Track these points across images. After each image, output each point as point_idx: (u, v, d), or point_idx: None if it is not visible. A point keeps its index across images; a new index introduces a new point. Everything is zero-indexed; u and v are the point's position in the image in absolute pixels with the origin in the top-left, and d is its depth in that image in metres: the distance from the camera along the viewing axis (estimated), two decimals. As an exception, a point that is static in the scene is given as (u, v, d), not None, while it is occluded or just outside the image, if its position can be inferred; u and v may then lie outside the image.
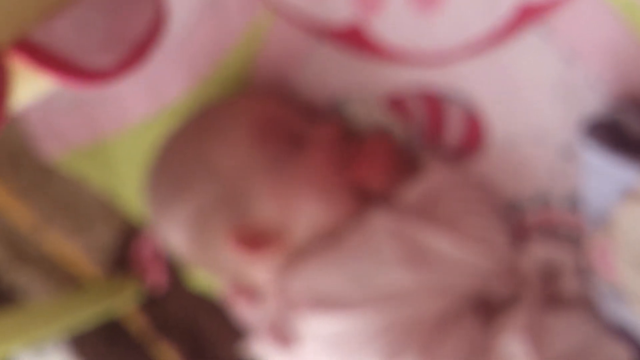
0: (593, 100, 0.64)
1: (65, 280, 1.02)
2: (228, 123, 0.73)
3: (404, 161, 0.75)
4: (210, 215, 0.71)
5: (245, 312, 0.81)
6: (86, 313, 0.96)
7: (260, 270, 0.74)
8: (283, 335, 0.72)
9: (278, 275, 0.73)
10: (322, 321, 0.69)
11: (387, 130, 0.76)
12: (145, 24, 0.52)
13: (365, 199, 0.73)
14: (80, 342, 1.02)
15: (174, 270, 0.97)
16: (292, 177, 0.71)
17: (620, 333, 0.65)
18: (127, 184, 0.91)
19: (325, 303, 0.69)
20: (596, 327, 0.68)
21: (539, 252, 0.72)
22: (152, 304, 0.99)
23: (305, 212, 0.71)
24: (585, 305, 0.69)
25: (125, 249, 0.99)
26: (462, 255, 0.69)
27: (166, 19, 0.53)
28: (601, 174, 0.59)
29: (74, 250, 0.99)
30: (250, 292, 0.78)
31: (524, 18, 0.63)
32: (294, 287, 0.71)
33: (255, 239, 0.71)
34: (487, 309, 0.73)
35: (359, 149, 0.74)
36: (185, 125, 0.77)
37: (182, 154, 0.74)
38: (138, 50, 0.51)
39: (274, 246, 0.71)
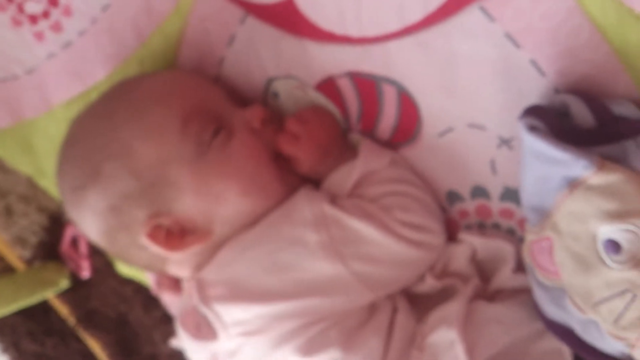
0: (537, 84, 0.57)
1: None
2: (148, 107, 0.64)
3: (336, 143, 0.67)
4: (127, 207, 0.63)
5: (169, 302, 0.75)
6: (12, 301, 0.90)
7: (176, 264, 0.66)
8: (197, 327, 0.64)
9: (195, 267, 0.65)
10: (236, 313, 0.62)
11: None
12: None
13: (295, 185, 0.66)
14: (5, 329, 0.96)
15: (101, 257, 0.90)
16: (215, 167, 0.63)
17: (560, 329, 0.59)
18: (50, 165, 0.82)
19: (241, 294, 0.62)
20: (534, 321, 0.62)
21: (475, 244, 0.67)
22: (77, 292, 0.93)
23: (228, 204, 0.63)
24: (525, 299, 0.64)
25: (52, 236, 0.93)
26: (394, 243, 0.62)
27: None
28: (543, 163, 0.53)
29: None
30: (174, 282, 0.71)
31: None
32: (209, 278, 0.64)
33: (172, 234, 0.63)
34: (419, 301, 0.67)
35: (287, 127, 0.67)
36: (99, 102, 0.67)
37: (96, 136, 0.64)
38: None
39: (193, 240, 0.64)
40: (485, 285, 0.66)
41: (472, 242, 0.67)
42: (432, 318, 0.63)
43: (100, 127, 0.64)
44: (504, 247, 0.65)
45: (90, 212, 0.64)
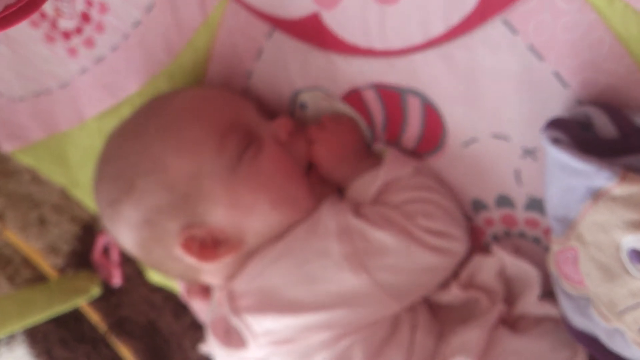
0: (560, 95, 0.57)
1: (24, 276, 0.98)
2: (183, 123, 0.65)
3: (355, 147, 0.68)
4: (160, 220, 0.64)
5: (199, 308, 0.76)
6: (45, 308, 0.91)
7: (209, 274, 0.67)
8: (227, 335, 0.66)
9: (227, 276, 0.66)
10: (266, 323, 0.63)
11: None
12: None
13: (323, 195, 0.67)
14: (37, 336, 0.97)
15: (132, 266, 0.91)
16: (245, 180, 0.64)
17: (586, 338, 0.59)
18: (83, 176, 0.85)
19: (270, 305, 0.62)
20: (555, 353, 0.62)
21: (505, 261, 0.67)
22: (108, 300, 0.94)
23: (259, 216, 0.64)
24: (548, 328, 0.64)
25: (84, 244, 0.94)
26: (416, 251, 0.62)
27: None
28: (567, 174, 0.53)
29: (32, 247, 0.95)
30: (203, 289, 0.73)
31: (488, 8, 0.56)
32: (240, 288, 0.64)
33: (206, 245, 0.64)
34: (441, 312, 0.68)
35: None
36: (131, 120, 0.69)
37: (129, 153, 0.66)
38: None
39: (226, 251, 0.65)
40: (508, 309, 0.66)
41: (502, 257, 0.67)
42: (455, 341, 0.63)
43: (132, 144, 0.66)
44: (531, 272, 0.65)
45: (125, 225, 0.65)
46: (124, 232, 0.66)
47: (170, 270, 0.69)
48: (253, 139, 0.65)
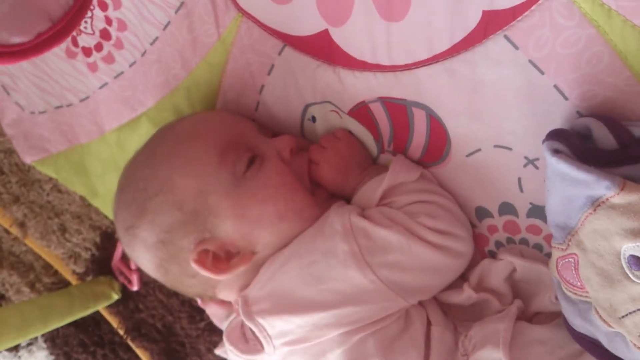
0: (561, 108, 0.58)
1: (46, 282, 0.99)
2: (185, 144, 0.67)
3: (355, 162, 0.70)
4: (173, 238, 0.66)
5: (213, 313, 0.77)
6: (66, 314, 0.93)
7: (225, 288, 0.69)
8: (244, 340, 0.67)
9: (241, 287, 0.68)
10: (279, 325, 0.64)
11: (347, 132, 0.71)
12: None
13: (328, 206, 0.68)
14: (57, 339, 0.98)
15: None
16: (250, 194, 0.66)
17: (587, 341, 0.60)
18: (102, 186, 0.87)
19: (282, 307, 0.63)
20: (574, 343, 0.62)
21: (516, 265, 0.67)
22: (126, 304, 0.95)
23: (267, 227, 0.66)
24: (557, 318, 0.64)
25: (104, 251, 0.95)
26: (419, 249, 0.63)
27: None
28: (567, 184, 0.53)
29: (53, 254, 0.96)
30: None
31: (490, 25, 0.57)
32: (252, 295, 0.66)
33: (219, 259, 0.66)
34: (451, 311, 0.69)
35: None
36: (141, 149, 0.71)
37: (139, 179, 0.68)
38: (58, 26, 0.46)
39: (238, 262, 0.66)
40: (525, 307, 0.67)
41: (512, 262, 0.67)
42: (476, 335, 0.64)
43: (142, 171, 0.68)
44: (546, 273, 0.65)
45: (142, 248, 0.67)
46: (142, 255, 0.68)
47: (188, 288, 0.70)
48: (256, 154, 0.67)
